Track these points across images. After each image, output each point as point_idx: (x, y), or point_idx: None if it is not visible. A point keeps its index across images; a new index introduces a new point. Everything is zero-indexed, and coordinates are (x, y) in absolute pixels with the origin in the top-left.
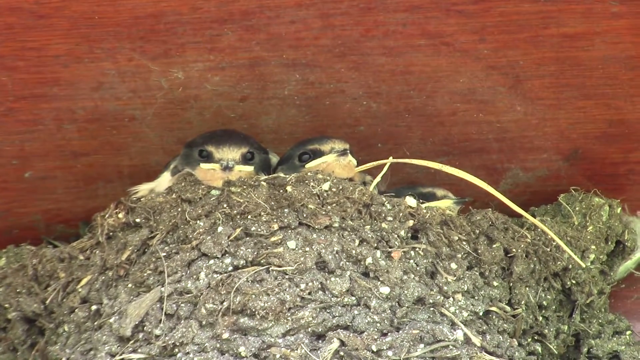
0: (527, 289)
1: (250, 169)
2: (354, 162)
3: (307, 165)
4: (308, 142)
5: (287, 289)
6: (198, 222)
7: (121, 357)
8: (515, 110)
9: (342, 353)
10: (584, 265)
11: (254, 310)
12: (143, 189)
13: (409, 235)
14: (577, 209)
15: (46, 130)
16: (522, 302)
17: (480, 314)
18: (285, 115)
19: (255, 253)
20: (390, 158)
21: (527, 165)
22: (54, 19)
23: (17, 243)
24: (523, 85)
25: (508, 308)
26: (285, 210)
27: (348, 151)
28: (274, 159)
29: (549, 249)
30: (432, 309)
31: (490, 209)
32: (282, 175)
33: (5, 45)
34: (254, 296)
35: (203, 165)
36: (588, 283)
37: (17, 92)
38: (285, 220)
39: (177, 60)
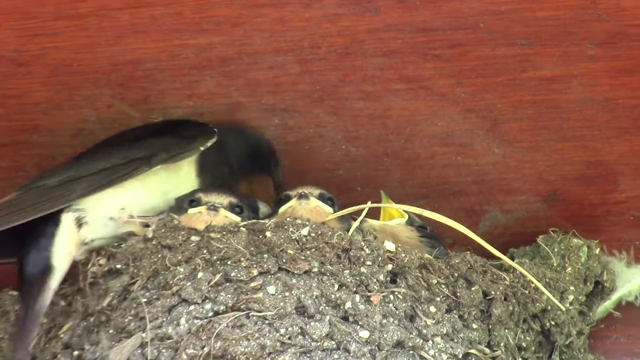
0: (506, 330)
1: (236, 218)
2: (326, 208)
3: (279, 211)
4: (287, 189)
5: (267, 334)
6: (178, 268)
7: None
8: (493, 152)
9: None
10: (563, 309)
11: (234, 355)
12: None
13: (388, 279)
14: (555, 250)
15: (27, 176)
16: (502, 344)
17: (460, 356)
18: None
19: (235, 298)
20: (369, 203)
21: (505, 207)
22: (33, 66)
23: None
24: (501, 128)
25: (487, 350)
26: (265, 255)
27: (308, 194)
28: (265, 209)
29: (527, 291)
30: (411, 352)
31: (469, 252)
32: (260, 221)
33: None
34: (234, 341)
35: (190, 210)
36: (567, 324)
37: None
38: (265, 265)
39: (156, 106)
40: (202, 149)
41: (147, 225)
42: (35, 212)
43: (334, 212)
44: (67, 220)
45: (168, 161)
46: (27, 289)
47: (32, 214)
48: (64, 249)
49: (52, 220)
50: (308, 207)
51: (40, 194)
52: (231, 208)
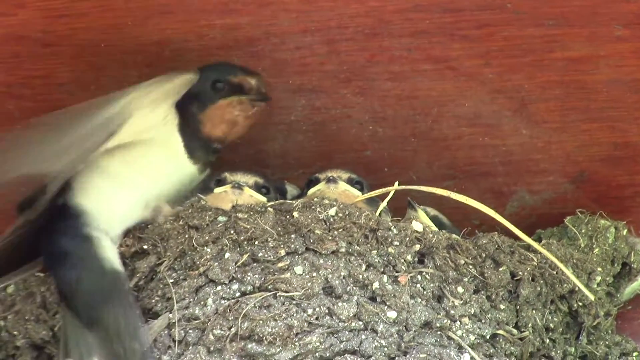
0: (534, 311)
1: (262, 198)
2: (354, 192)
3: (308, 193)
4: (317, 171)
5: (295, 315)
6: (205, 248)
7: None
8: (520, 133)
9: None
10: (592, 297)
11: (261, 335)
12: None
13: (416, 259)
14: (583, 231)
15: None
16: (529, 325)
17: (487, 337)
18: (291, 141)
19: (263, 279)
20: (396, 184)
21: (533, 188)
22: (60, 47)
23: None
24: (528, 108)
25: (515, 331)
26: (292, 236)
27: (337, 179)
28: (294, 191)
29: (555, 272)
30: (439, 332)
31: (496, 233)
32: (288, 201)
33: (12, 73)
34: (261, 322)
35: (216, 190)
36: (595, 305)
37: (23, 120)
38: (292, 245)
39: None
40: None
41: None
42: None
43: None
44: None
45: None
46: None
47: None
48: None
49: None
50: (336, 191)
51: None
52: (257, 188)
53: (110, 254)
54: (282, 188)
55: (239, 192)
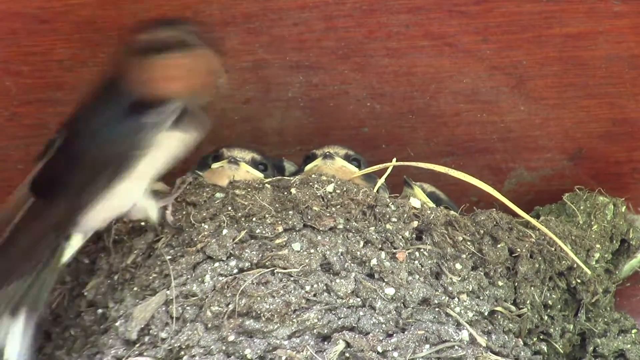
0: (532, 288)
1: (258, 174)
2: (351, 168)
3: (305, 169)
4: (315, 148)
5: (292, 291)
6: (203, 225)
7: None
8: (518, 110)
9: (347, 354)
10: (589, 272)
11: (259, 312)
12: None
13: (414, 236)
14: (581, 208)
15: (51, 134)
16: (527, 302)
17: (486, 314)
18: (289, 118)
19: (260, 255)
20: (394, 160)
21: (531, 164)
22: (57, 23)
23: None
24: (526, 85)
25: (513, 308)
26: (290, 212)
27: (334, 155)
28: (292, 167)
29: (553, 249)
30: (437, 309)
31: (494, 209)
32: (285, 177)
33: (9, 50)
34: (259, 298)
35: (213, 165)
36: (593, 282)
37: (21, 97)
38: (290, 222)
39: None
40: None
41: None
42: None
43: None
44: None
45: None
46: None
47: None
48: None
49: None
50: (333, 167)
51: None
52: (254, 164)
53: None
54: (280, 165)
55: (236, 167)
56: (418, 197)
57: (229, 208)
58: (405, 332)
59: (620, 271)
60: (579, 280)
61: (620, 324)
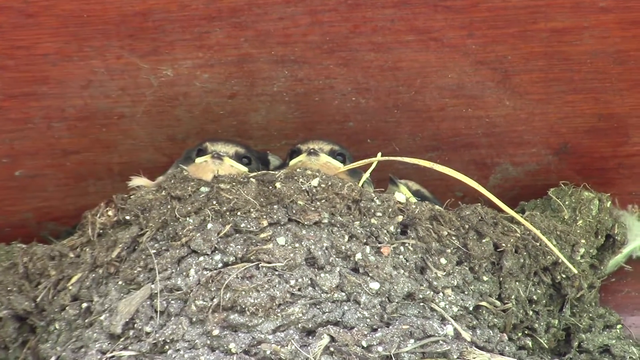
0: (517, 283)
1: (243, 168)
2: (336, 164)
3: (290, 164)
4: (299, 142)
5: (277, 285)
6: (187, 219)
7: (112, 354)
8: (504, 105)
9: (332, 349)
10: (575, 270)
11: (244, 306)
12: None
13: (399, 230)
14: (567, 203)
15: (36, 128)
16: (512, 297)
17: (470, 308)
18: (274, 112)
19: (245, 249)
20: (379, 155)
21: (516, 159)
22: (42, 17)
23: (8, 241)
24: (512, 80)
25: (498, 303)
26: (275, 206)
27: (318, 151)
28: (276, 161)
29: (538, 244)
30: (422, 304)
31: (479, 204)
32: (270, 172)
33: None
34: (243, 292)
35: (197, 160)
36: (578, 277)
37: (6, 91)
38: (275, 216)
39: (166, 58)
40: None
41: None
42: None
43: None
44: None
45: None
46: None
47: None
48: None
49: None
50: (318, 163)
51: None
52: (238, 158)
53: None
54: (265, 158)
55: (219, 162)
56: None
57: (214, 202)
58: (390, 327)
59: (605, 266)
60: (563, 276)
61: (605, 319)
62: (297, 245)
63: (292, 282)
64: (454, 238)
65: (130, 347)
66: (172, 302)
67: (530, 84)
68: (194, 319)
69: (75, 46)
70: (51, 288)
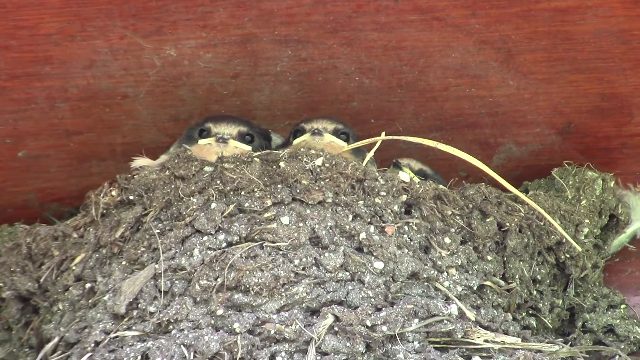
0: (521, 263)
1: (247, 148)
2: (340, 143)
3: (294, 143)
4: (303, 120)
5: (281, 265)
6: (191, 198)
7: (115, 334)
8: (507, 84)
9: (336, 328)
10: (579, 249)
11: (248, 286)
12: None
13: (403, 210)
14: (570, 182)
15: (39, 109)
16: (516, 276)
17: (475, 288)
18: (277, 92)
19: (249, 229)
20: (383, 134)
21: (520, 139)
22: None
23: (11, 222)
24: (515, 59)
25: (502, 282)
26: (279, 186)
27: (322, 131)
28: (278, 140)
29: (542, 223)
30: (426, 283)
31: (483, 184)
32: (274, 151)
33: None
34: (247, 272)
35: (201, 141)
36: (582, 257)
37: (9, 71)
38: (279, 196)
39: (169, 38)
40: None
41: None
42: None
43: (349, 145)
44: None
45: None
46: None
47: None
48: None
49: None
50: (322, 143)
51: None
52: (241, 137)
53: None
54: (267, 134)
55: (224, 146)
56: None
57: (218, 182)
58: (394, 306)
59: (609, 246)
60: (567, 255)
61: (609, 299)
62: (301, 224)
63: (296, 262)
64: (458, 217)
65: (134, 327)
66: (176, 282)
67: (534, 63)
68: (198, 299)
69: (78, 26)
70: (54, 268)
